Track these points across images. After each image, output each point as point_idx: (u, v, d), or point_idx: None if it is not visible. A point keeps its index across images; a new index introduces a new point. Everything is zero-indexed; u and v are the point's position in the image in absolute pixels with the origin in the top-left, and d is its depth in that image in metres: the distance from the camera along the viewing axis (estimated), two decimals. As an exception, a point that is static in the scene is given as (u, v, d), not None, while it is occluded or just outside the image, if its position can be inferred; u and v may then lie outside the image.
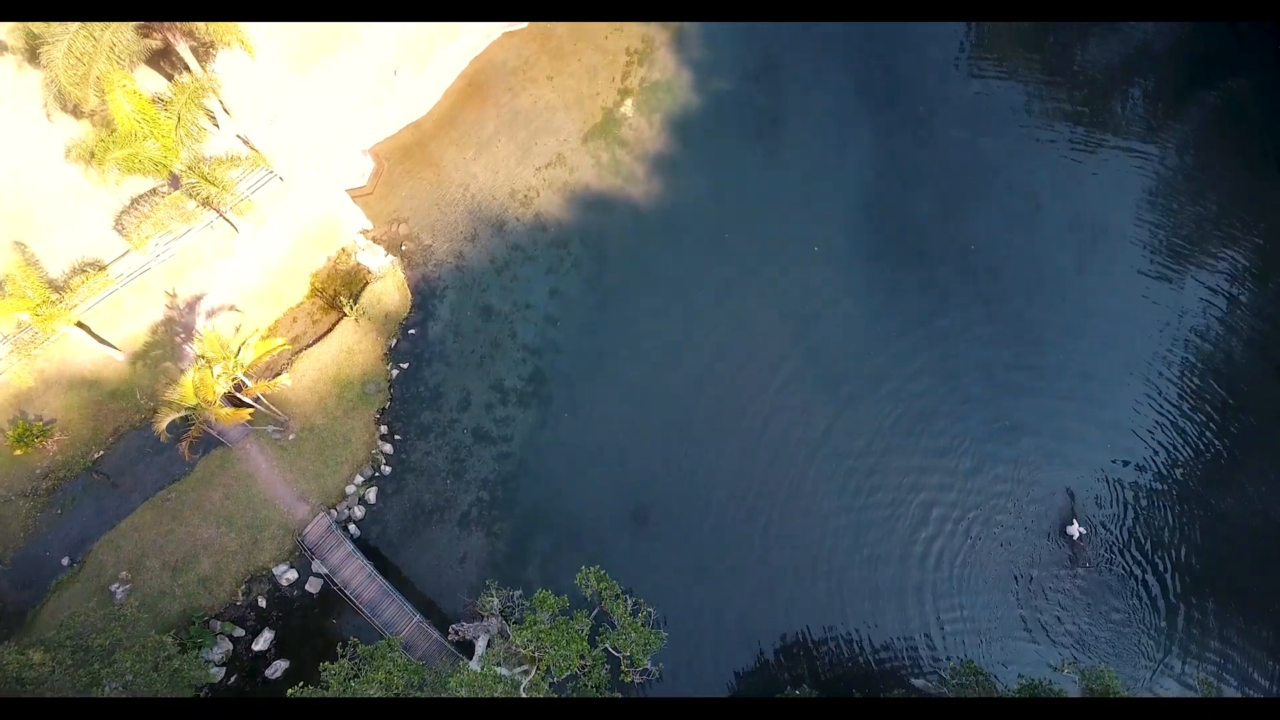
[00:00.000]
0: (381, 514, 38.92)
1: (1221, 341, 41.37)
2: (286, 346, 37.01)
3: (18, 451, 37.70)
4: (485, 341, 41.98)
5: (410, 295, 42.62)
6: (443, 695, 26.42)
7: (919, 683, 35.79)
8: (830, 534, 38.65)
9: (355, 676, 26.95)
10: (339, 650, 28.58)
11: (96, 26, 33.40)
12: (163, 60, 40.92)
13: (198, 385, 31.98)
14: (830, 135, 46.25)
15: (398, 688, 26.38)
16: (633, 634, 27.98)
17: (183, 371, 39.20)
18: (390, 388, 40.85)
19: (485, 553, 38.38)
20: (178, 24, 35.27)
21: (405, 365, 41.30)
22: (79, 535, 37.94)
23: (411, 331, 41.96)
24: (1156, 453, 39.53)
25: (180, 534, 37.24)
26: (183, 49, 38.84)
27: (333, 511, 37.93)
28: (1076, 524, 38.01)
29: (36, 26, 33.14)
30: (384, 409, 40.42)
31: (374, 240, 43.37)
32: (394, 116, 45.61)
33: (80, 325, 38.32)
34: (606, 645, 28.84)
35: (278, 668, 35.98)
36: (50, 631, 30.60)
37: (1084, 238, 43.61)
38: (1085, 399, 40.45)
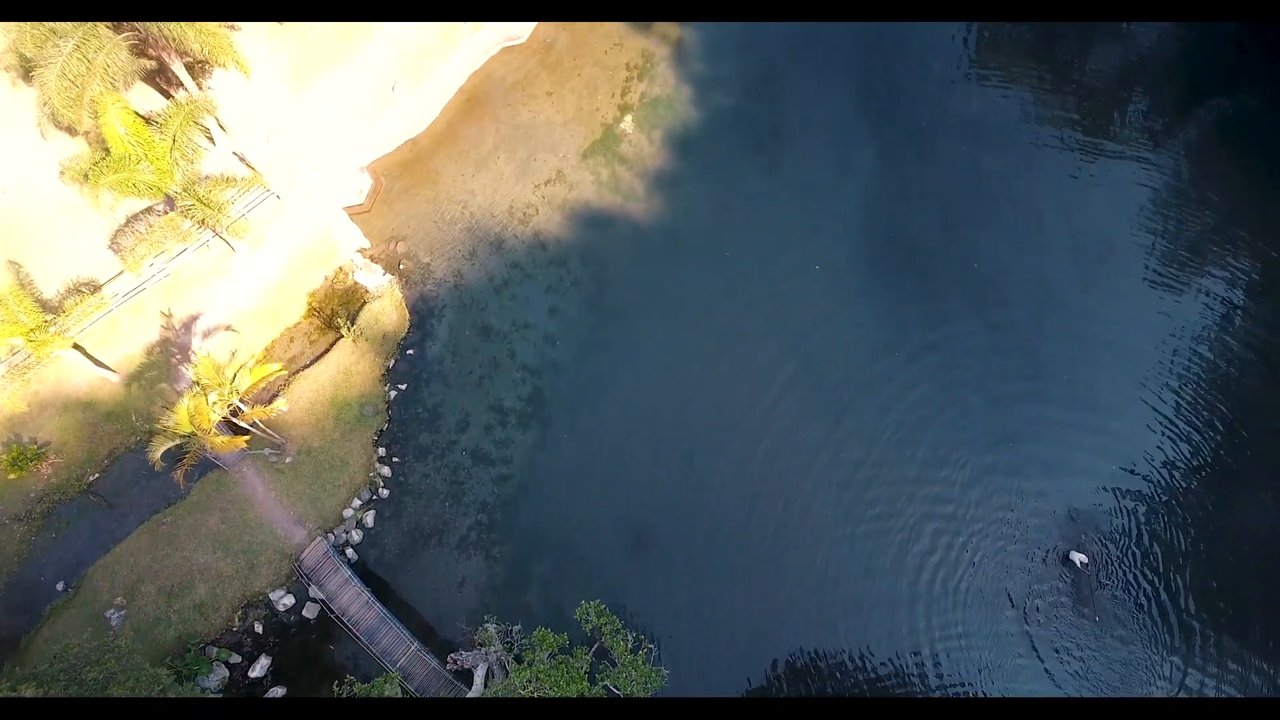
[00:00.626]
0: (379, 537, 38.56)
1: (1228, 356, 40.88)
2: (283, 372, 36.65)
3: (12, 475, 37.32)
4: (484, 361, 41.60)
5: (408, 315, 42.23)
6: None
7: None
8: (828, 551, 38.12)
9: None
10: (334, 688, 28.21)
11: (90, 48, 32.98)
12: (158, 76, 40.47)
13: (193, 413, 31.58)
14: (831, 150, 45.86)
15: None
16: (633, 672, 27.63)
17: (178, 393, 38.93)
18: (388, 409, 40.47)
19: (484, 576, 38.01)
20: (172, 44, 34.78)
21: (403, 386, 40.92)
22: (74, 559, 37.55)
23: (410, 352, 41.59)
24: (1163, 470, 38.97)
25: (176, 559, 36.85)
26: (178, 68, 38.44)
27: (330, 536, 37.57)
28: (1080, 552, 37.55)
29: (29, 49, 32.69)
30: (382, 431, 40.04)
31: (372, 259, 42.98)
32: (392, 133, 45.22)
33: (75, 346, 37.93)
34: (606, 683, 28.48)
35: (275, 695, 35.61)
36: (43, 665, 30.18)
37: (1087, 252, 43.18)
38: (1089, 415, 39.91)
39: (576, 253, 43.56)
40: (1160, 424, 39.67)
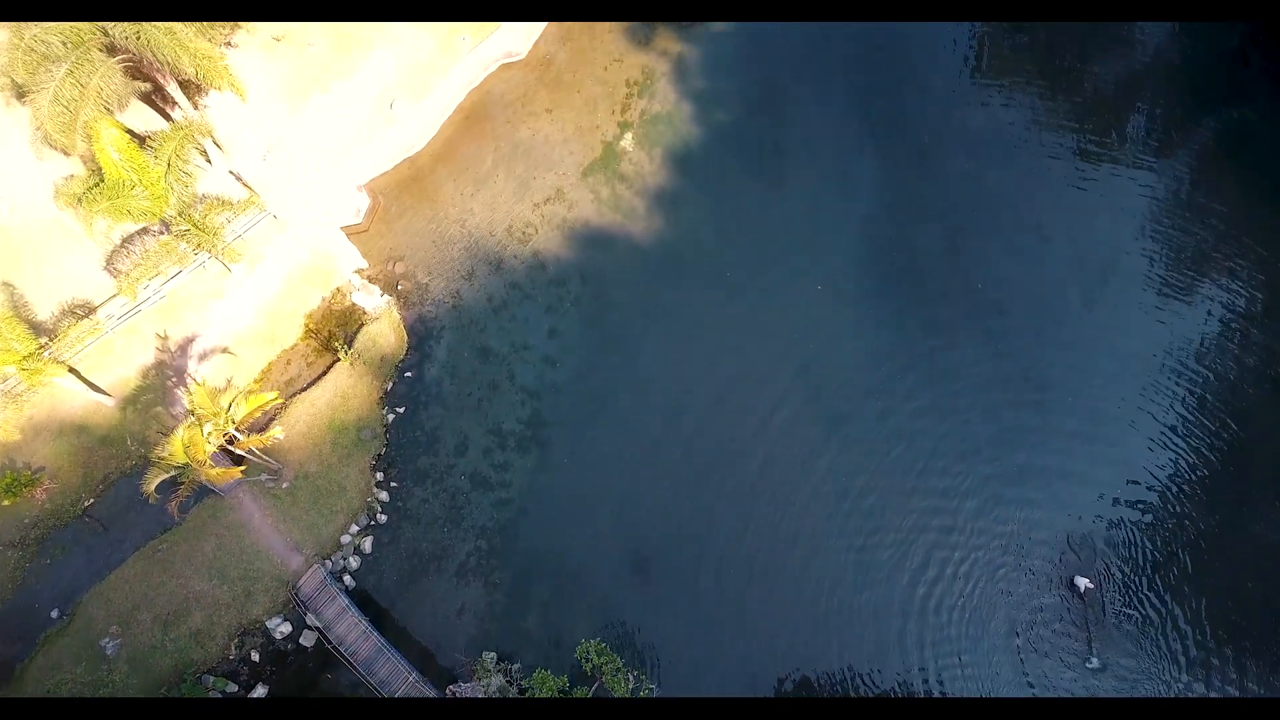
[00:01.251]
0: (377, 564, 38.19)
1: (1233, 371, 40.50)
2: (279, 401, 36.24)
3: (5, 501, 36.89)
4: (483, 384, 41.21)
5: (406, 336, 41.83)
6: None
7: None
8: (830, 575, 37.77)
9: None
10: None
11: (84, 72, 32.54)
12: (155, 94, 39.98)
13: (188, 444, 31.19)
14: (833, 168, 45.48)
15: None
16: (634, 714, 27.22)
17: (174, 417, 38.62)
18: (386, 433, 40.06)
19: (483, 603, 37.63)
20: (167, 67, 34.32)
21: (401, 409, 40.51)
22: (69, 586, 37.15)
23: (408, 374, 41.19)
24: (1169, 492, 38.57)
25: (172, 586, 36.49)
26: (173, 88, 37.99)
27: (327, 562, 37.20)
28: (1084, 577, 37.23)
29: (21, 75, 32.21)
30: (380, 455, 39.63)
31: (369, 279, 42.56)
32: (390, 151, 44.78)
33: (70, 370, 37.53)
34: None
35: (272, 724, 35.28)
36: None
37: (1090, 267, 42.82)
38: (1094, 436, 39.54)
39: (576, 272, 43.16)
40: (1165, 441, 39.31)
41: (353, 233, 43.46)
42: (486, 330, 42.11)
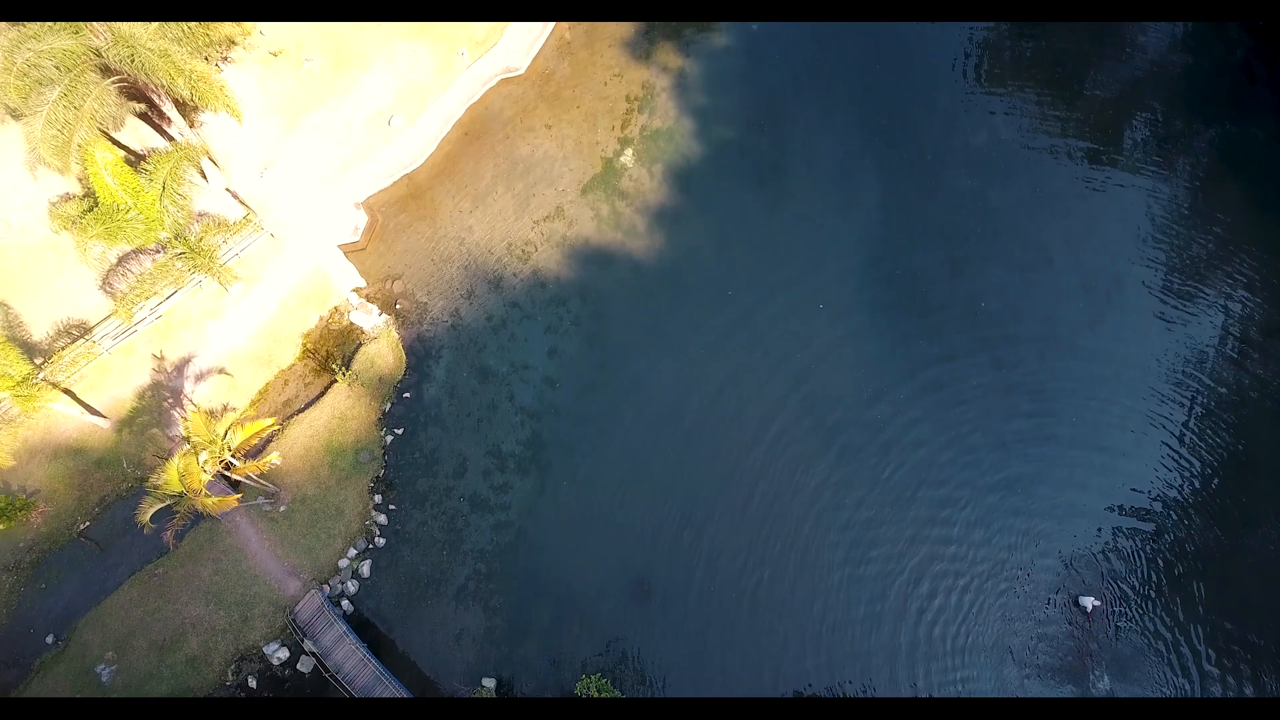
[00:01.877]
0: (376, 588, 37.83)
1: (1239, 390, 40.04)
2: (275, 427, 35.86)
3: (0, 525, 36.60)
4: (482, 404, 40.84)
5: (404, 356, 41.44)
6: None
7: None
8: (828, 593, 37.47)
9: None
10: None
11: (78, 95, 32.18)
12: (151, 112, 39.63)
13: (183, 472, 30.84)
14: (835, 186, 45.01)
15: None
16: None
17: (170, 439, 38.34)
18: (384, 455, 39.67)
19: (482, 628, 37.26)
20: (162, 89, 33.95)
21: (400, 431, 40.14)
22: (64, 611, 36.83)
23: (406, 395, 40.80)
24: (1175, 508, 38.06)
25: (168, 611, 36.17)
26: (169, 108, 37.63)
27: (325, 587, 36.84)
28: (1091, 596, 36.92)
29: (13, 100, 31.84)
30: (378, 477, 39.26)
31: (367, 298, 42.19)
32: (388, 168, 44.35)
33: (65, 391, 37.20)
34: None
35: (269, 751, 34.96)
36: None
37: (1095, 285, 42.33)
38: (1097, 453, 39.15)
39: (576, 291, 42.78)
40: (1172, 461, 38.92)
41: (350, 251, 43.08)
42: (486, 350, 41.74)
